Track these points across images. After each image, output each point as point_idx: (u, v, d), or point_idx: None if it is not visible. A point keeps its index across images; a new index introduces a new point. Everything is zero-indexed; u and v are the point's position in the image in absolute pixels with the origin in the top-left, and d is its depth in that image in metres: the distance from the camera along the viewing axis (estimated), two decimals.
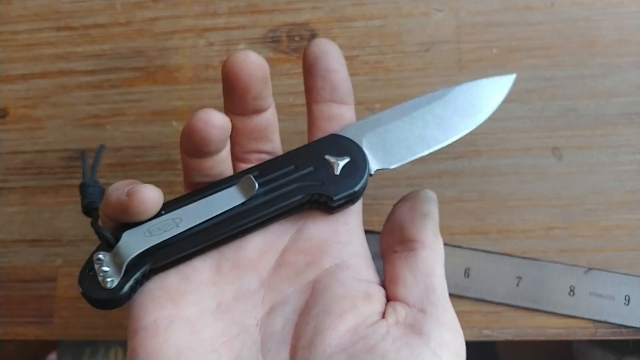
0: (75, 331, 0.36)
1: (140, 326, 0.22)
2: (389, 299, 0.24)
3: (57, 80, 0.39)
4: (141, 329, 0.22)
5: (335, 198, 0.24)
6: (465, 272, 0.34)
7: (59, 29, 0.40)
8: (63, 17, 0.40)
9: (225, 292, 0.24)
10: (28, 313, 0.37)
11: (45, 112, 0.39)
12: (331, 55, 0.26)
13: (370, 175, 0.25)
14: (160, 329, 0.22)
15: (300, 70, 0.37)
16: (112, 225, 0.24)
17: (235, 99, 0.24)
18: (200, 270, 0.24)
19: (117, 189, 0.23)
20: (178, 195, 0.34)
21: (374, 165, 0.26)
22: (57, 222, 0.38)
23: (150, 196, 0.22)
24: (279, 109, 0.37)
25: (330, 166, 0.25)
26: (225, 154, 0.24)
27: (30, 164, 0.38)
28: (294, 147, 0.26)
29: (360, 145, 0.25)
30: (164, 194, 0.37)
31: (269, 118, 0.25)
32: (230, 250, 0.24)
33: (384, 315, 0.23)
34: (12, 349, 0.66)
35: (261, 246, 0.25)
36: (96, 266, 0.23)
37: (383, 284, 0.25)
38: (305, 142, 0.26)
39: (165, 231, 0.23)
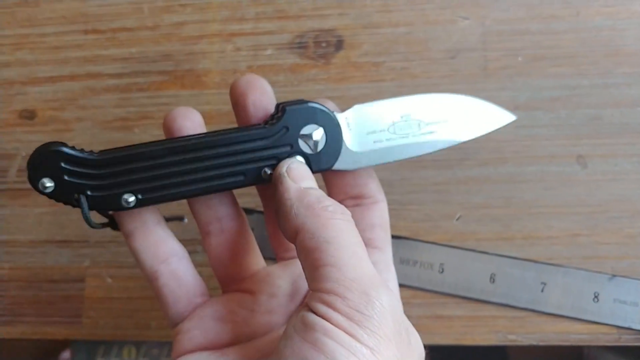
0: (103, 331, 0.37)
1: None
2: None
3: (85, 83, 0.40)
4: None
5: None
6: (490, 277, 0.34)
7: (86, 32, 0.40)
8: (91, 20, 0.40)
9: None
10: (56, 313, 0.37)
11: (73, 115, 0.39)
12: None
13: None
14: None
15: (327, 75, 0.38)
16: None
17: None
18: None
19: None
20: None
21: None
22: (84, 223, 0.38)
23: None
24: None
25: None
26: None
27: None
28: None
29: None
30: None
31: None
32: None
33: None
34: (26, 346, 0.67)
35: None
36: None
37: None
38: None
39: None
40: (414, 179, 0.36)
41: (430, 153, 0.27)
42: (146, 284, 0.36)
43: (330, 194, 0.28)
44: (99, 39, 0.40)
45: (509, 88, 0.37)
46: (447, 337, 0.34)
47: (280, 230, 0.23)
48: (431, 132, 0.26)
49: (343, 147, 0.26)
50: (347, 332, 0.19)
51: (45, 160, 0.23)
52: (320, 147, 0.25)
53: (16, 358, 0.63)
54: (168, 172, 0.24)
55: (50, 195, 0.23)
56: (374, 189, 0.27)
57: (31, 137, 0.39)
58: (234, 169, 0.25)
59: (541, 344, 0.34)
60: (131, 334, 0.36)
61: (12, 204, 0.39)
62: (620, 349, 0.48)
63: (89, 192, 0.23)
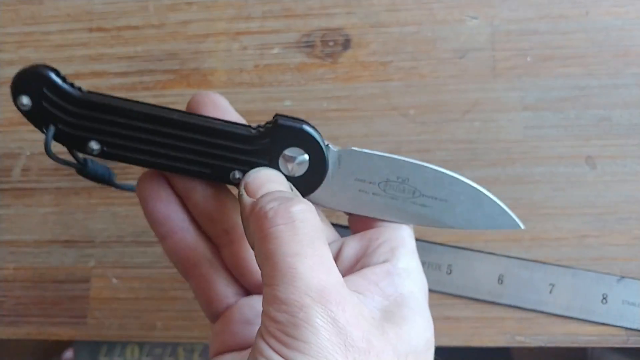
0: (109, 332, 0.36)
1: None
2: None
3: (90, 82, 0.39)
4: None
5: None
6: (499, 278, 0.34)
7: (91, 30, 0.40)
8: (95, 18, 0.40)
9: None
10: (62, 313, 0.37)
11: None
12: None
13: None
14: None
15: (334, 75, 0.38)
16: None
17: None
18: None
19: None
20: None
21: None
22: (90, 223, 0.38)
23: None
24: (312, 113, 0.37)
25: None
26: None
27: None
28: None
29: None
30: None
31: None
32: None
33: None
34: (29, 345, 0.66)
35: None
36: None
37: None
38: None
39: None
40: None
41: (411, 225, 0.25)
42: (152, 285, 0.36)
43: None
44: (104, 37, 0.40)
45: (517, 88, 0.36)
46: (455, 339, 0.34)
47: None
48: (423, 206, 0.24)
49: (323, 183, 0.24)
50: (279, 354, 0.18)
51: (31, 78, 0.22)
52: (298, 173, 0.24)
53: (19, 357, 0.63)
54: (139, 136, 0.23)
55: (24, 114, 0.23)
56: None
57: (35, 137, 0.39)
58: (202, 159, 0.23)
59: (549, 345, 0.34)
60: (137, 335, 0.36)
61: (17, 204, 0.38)
62: (627, 350, 0.48)
63: (59, 125, 0.23)
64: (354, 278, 0.22)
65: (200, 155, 0.23)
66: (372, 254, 0.24)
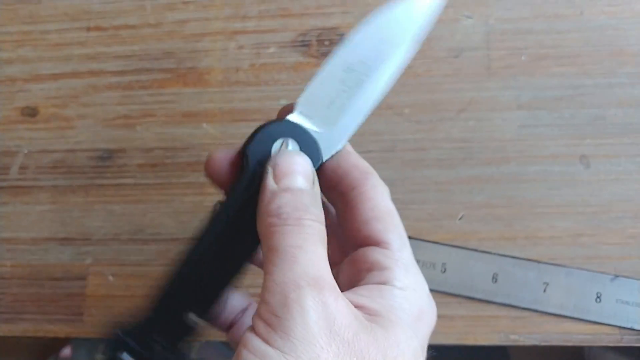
0: (105, 329, 0.37)
1: None
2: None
3: (87, 80, 0.40)
4: None
5: None
6: (493, 277, 0.34)
7: (89, 29, 0.40)
8: (93, 17, 0.40)
9: None
10: (59, 311, 0.37)
11: (76, 112, 0.39)
12: None
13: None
14: None
15: None
16: None
17: None
18: None
19: None
20: (208, 196, 0.34)
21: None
22: (87, 221, 0.38)
23: None
24: None
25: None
26: None
27: (60, 163, 0.39)
28: None
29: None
30: (194, 194, 0.37)
31: None
32: None
33: None
34: (27, 342, 0.67)
35: None
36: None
37: None
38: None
39: None
40: (416, 178, 0.36)
41: (395, 79, 0.25)
42: (148, 282, 0.36)
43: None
44: (102, 36, 0.40)
45: (512, 87, 0.36)
46: (449, 337, 0.34)
47: None
48: (382, 60, 0.25)
49: (316, 136, 0.24)
50: (262, 338, 0.18)
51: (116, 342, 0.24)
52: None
53: (17, 354, 0.63)
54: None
55: None
56: (355, 177, 0.24)
57: (33, 135, 0.39)
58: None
59: (543, 344, 0.34)
60: None
61: (14, 201, 0.39)
62: (622, 349, 0.48)
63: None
64: (346, 294, 0.22)
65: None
66: (365, 277, 0.23)
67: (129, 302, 0.36)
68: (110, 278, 0.37)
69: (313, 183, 0.23)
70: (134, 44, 0.40)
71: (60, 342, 0.63)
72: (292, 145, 0.23)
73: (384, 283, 0.22)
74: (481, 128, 0.36)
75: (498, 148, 0.36)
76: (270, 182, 0.22)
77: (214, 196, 0.37)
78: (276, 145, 0.23)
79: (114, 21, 0.40)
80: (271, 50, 0.39)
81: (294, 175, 0.22)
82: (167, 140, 0.38)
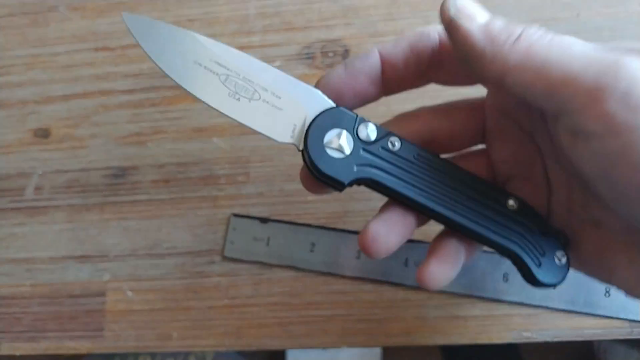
0: (126, 344, 0.37)
1: None
2: None
3: (98, 100, 0.40)
4: None
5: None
6: (504, 276, 0.35)
7: (97, 49, 0.41)
8: (100, 38, 0.41)
9: None
10: (79, 327, 0.38)
11: (87, 131, 0.40)
12: None
13: None
14: None
15: None
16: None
17: None
18: None
19: None
20: (222, 208, 0.35)
21: None
22: (103, 238, 0.39)
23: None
24: None
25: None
26: None
27: (74, 182, 0.39)
28: None
29: None
30: (208, 208, 0.38)
31: None
32: None
33: None
34: (42, 356, 0.67)
35: None
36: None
37: None
38: None
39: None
40: None
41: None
42: (166, 296, 0.37)
43: None
44: (110, 56, 0.41)
45: None
46: (463, 337, 0.35)
47: (476, 78, 0.24)
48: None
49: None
50: None
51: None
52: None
53: None
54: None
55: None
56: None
57: (47, 156, 0.40)
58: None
59: (555, 340, 0.35)
60: (153, 345, 0.37)
61: (31, 222, 0.39)
62: (632, 341, 0.49)
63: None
64: None
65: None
66: None
67: (148, 317, 0.37)
68: (129, 293, 0.38)
69: None
70: (141, 62, 0.41)
71: (76, 357, 0.63)
72: (342, 134, 0.25)
73: None
74: None
75: None
76: (466, 24, 0.22)
77: (228, 209, 0.38)
78: (329, 137, 0.25)
79: (121, 41, 0.41)
80: (277, 63, 0.39)
81: (480, 13, 0.23)
82: (178, 156, 0.39)
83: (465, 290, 0.35)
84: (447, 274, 0.26)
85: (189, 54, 0.26)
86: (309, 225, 0.37)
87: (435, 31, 0.26)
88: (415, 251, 0.36)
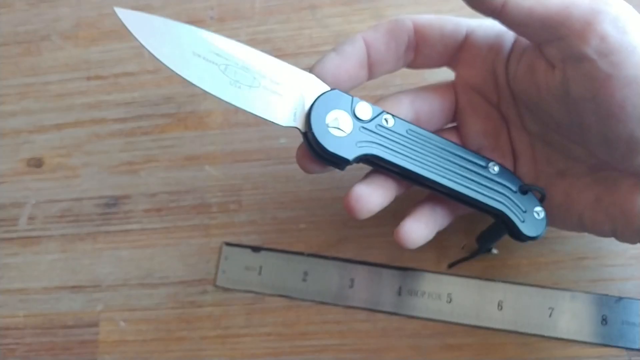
0: None
1: None
2: None
3: (90, 129, 0.40)
4: None
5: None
6: (498, 304, 0.35)
7: (89, 78, 0.41)
8: (92, 66, 0.41)
9: None
10: (72, 358, 0.38)
11: (80, 161, 0.40)
12: None
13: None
14: None
15: None
16: None
17: None
18: None
19: None
20: (214, 237, 0.35)
21: None
22: (96, 267, 0.39)
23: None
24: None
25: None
26: None
27: (67, 212, 0.39)
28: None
29: None
30: (200, 237, 0.38)
31: None
32: None
33: None
34: None
35: None
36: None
37: None
38: None
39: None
40: None
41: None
42: (159, 326, 0.37)
43: None
44: (102, 85, 0.41)
45: None
46: None
47: (477, 11, 0.26)
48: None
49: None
50: None
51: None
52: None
53: None
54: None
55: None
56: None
57: (40, 185, 0.40)
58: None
59: None
60: None
61: (24, 252, 0.39)
62: None
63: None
64: None
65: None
66: None
67: (141, 347, 0.37)
68: (122, 324, 0.38)
69: None
70: (133, 90, 0.41)
71: None
72: (342, 114, 0.27)
73: None
74: None
75: None
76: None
77: (220, 237, 0.37)
78: (330, 117, 0.27)
79: (113, 69, 0.41)
80: None
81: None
82: (171, 185, 0.39)
83: (460, 319, 0.35)
84: (421, 233, 0.29)
85: (187, 46, 0.26)
86: (301, 254, 0.37)
87: (410, 19, 0.28)
88: (408, 280, 0.35)
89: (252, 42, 0.40)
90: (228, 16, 0.41)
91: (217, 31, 0.40)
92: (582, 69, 0.24)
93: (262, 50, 0.39)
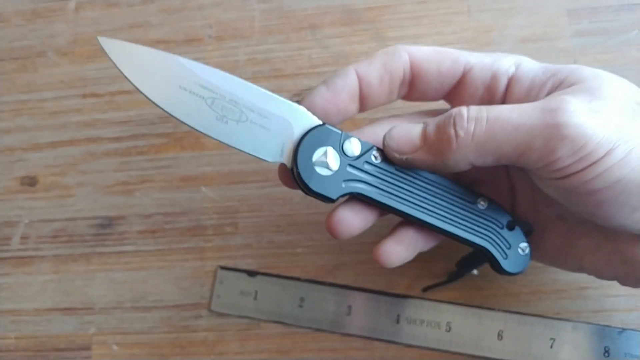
0: None
1: None
2: None
3: (85, 148, 0.40)
4: None
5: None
6: (498, 334, 0.34)
7: (84, 96, 0.41)
8: (89, 84, 0.41)
9: None
10: None
11: (75, 180, 0.39)
12: None
13: None
14: None
15: None
16: None
17: None
18: None
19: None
20: (209, 260, 0.34)
21: None
22: (89, 289, 0.38)
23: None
24: None
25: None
26: None
27: (60, 232, 0.39)
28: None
29: None
30: (195, 260, 0.37)
31: None
32: None
33: None
34: None
35: None
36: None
37: None
38: None
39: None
40: None
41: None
42: (152, 350, 0.36)
43: None
44: (98, 103, 0.40)
45: None
46: None
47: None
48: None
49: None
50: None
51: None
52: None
53: None
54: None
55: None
56: None
57: (33, 204, 0.39)
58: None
59: None
60: None
61: (16, 272, 0.39)
62: None
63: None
64: None
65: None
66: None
67: None
68: (115, 347, 0.37)
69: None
70: (129, 109, 0.40)
71: None
72: (329, 151, 0.26)
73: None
74: None
75: None
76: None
77: (215, 261, 0.37)
78: (317, 155, 0.26)
79: (109, 87, 0.40)
80: None
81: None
82: (166, 206, 0.38)
83: (459, 349, 0.34)
84: (400, 254, 0.28)
85: (173, 79, 0.25)
86: (298, 279, 0.36)
87: (405, 51, 0.27)
88: (407, 308, 0.35)
89: (251, 62, 0.39)
90: (227, 35, 0.40)
91: (215, 50, 0.40)
92: (551, 184, 0.25)
93: (261, 71, 0.39)
